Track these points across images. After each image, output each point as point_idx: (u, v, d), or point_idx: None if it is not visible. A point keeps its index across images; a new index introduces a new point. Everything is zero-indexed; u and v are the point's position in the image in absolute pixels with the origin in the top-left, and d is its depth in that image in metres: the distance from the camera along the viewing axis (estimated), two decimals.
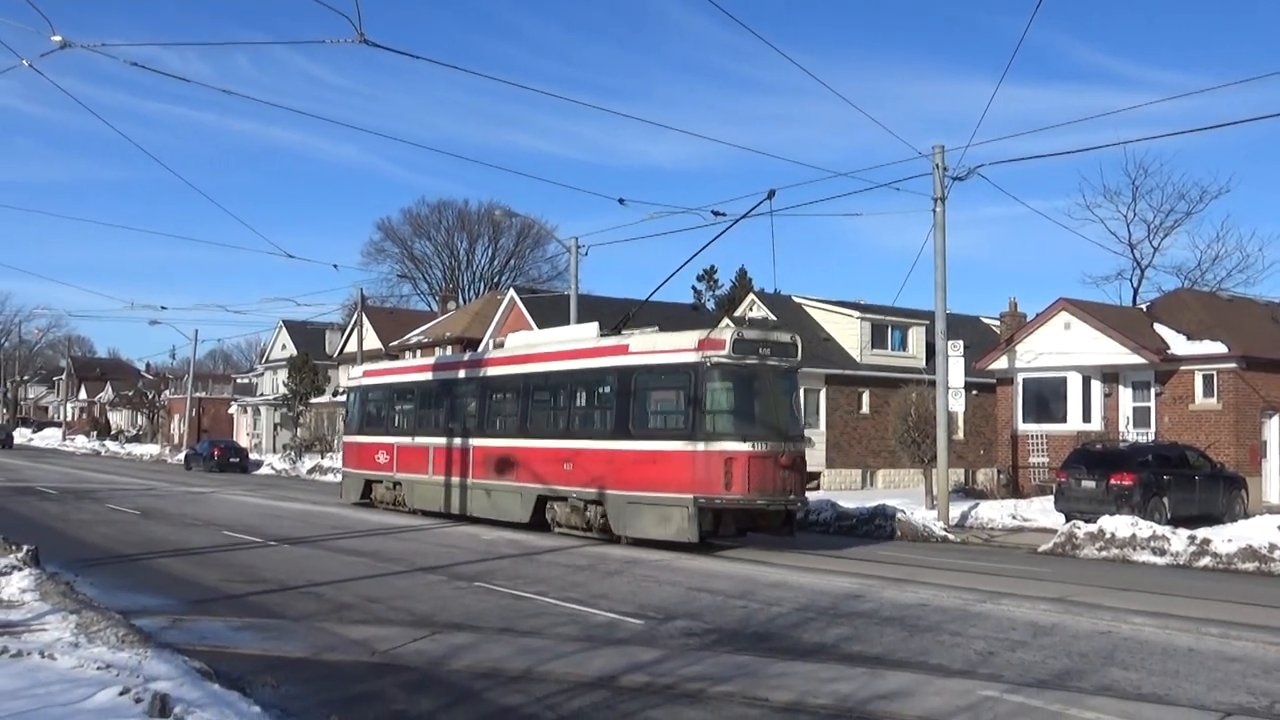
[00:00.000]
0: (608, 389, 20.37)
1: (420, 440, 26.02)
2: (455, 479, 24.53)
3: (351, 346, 57.34)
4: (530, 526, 21.91)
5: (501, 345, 26.31)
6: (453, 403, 25.26)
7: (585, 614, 11.98)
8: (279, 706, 7.57)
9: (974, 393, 35.39)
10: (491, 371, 24.14)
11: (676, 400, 19.16)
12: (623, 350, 20.23)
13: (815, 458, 37.85)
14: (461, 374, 25.31)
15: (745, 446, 18.34)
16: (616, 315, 48.45)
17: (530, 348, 23.49)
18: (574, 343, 22.13)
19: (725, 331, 19.26)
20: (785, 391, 19.44)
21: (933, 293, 25.29)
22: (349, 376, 31.26)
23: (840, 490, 36.36)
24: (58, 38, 15.77)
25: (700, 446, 18.39)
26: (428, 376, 26.77)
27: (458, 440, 24.57)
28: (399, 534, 21.38)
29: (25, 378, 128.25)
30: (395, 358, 53.52)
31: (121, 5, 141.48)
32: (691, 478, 18.43)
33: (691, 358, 18.80)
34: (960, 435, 38.69)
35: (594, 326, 23.32)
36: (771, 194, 22.05)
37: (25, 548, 14.05)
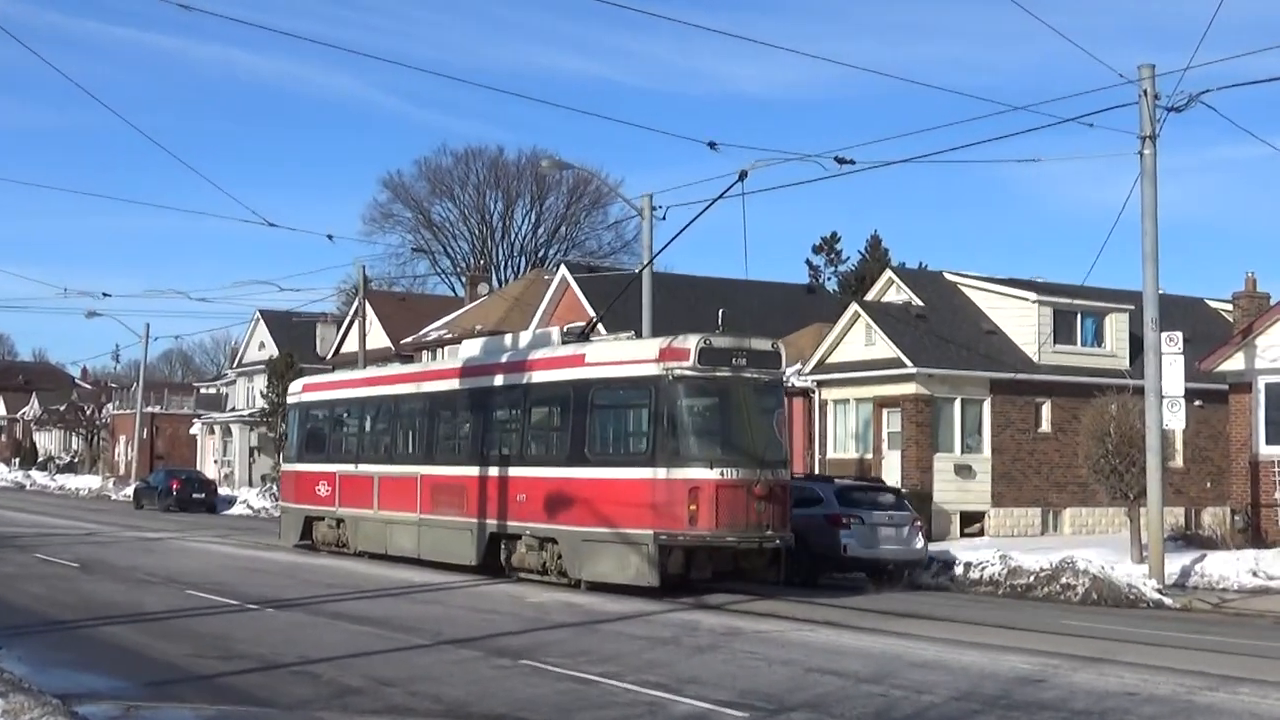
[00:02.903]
0: (563, 407, 23.12)
1: (364, 469, 29.19)
2: (400, 514, 27.55)
3: (350, 345, 58.12)
4: (481, 570, 24.45)
5: (455, 354, 29.64)
6: (400, 424, 28.65)
7: (668, 702, 12.05)
8: None
9: (1197, 403, 34.77)
10: (440, 386, 27.12)
11: (636, 419, 21.86)
12: (579, 361, 22.86)
13: (978, 492, 37.60)
14: (409, 389, 28.40)
15: (713, 474, 20.65)
16: (704, 300, 48.28)
17: (485, 358, 26.41)
18: (531, 352, 24.89)
19: (690, 339, 21.34)
20: (764, 410, 21.86)
21: (1139, 267, 25.03)
22: (289, 392, 34.49)
23: (1012, 536, 36.00)
24: None
25: (661, 474, 20.78)
26: (372, 392, 30.13)
27: (404, 468, 27.64)
28: (418, 594, 21.75)
29: None
30: (409, 359, 54.21)
31: None
32: (652, 511, 20.78)
33: (652, 370, 21.20)
34: (1179, 461, 38.00)
35: (555, 332, 26.24)
36: (743, 175, 24.99)
37: None
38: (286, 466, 33.60)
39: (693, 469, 20.72)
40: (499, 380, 25.08)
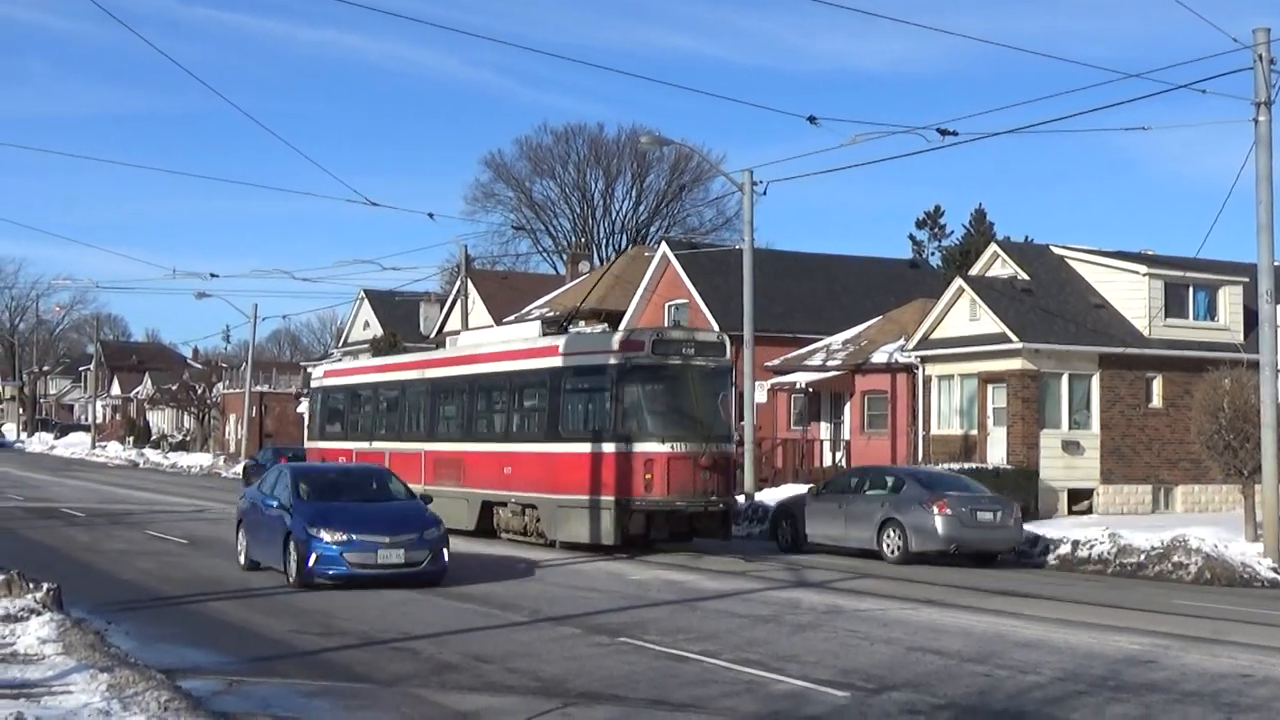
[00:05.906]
0: (540, 391, 26.76)
1: (377, 446, 32.64)
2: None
3: (453, 323, 58.55)
4: (476, 533, 27.55)
5: (454, 344, 33.40)
6: (406, 405, 32.27)
7: (766, 681, 12.07)
8: None
9: None
10: (440, 373, 31.05)
11: (600, 402, 24.97)
12: (553, 352, 26.34)
13: (1086, 469, 37.02)
14: (414, 375, 32.27)
15: (664, 448, 24.17)
16: (805, 275, 47.75)
17: (476, 348, 30.58)
18: (514, 343, 28.91)
19: (645, 333, 25.81)
20: (710, 392, 25.26)
21: (1254, 238, 24.53)
22: (313, 377, 38.07)
23: (1121, 514, 35.41)
24: None
25: (621, 448, 24.21)
26: (384, 377, 34.04)
27: (410, 445, 31.23)
28: (515, 572, 21.93)
29: (45, 368, 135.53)
30: None
31: None
32: (614, 480, 24.14)
33: (613, 359, 24.66)
34: None
35: (536, 325, 30.19)
36: (683, 187, 30.55)
37: (45, 586, 14.83)
38: (310, 444, 36.88)
39: (647, 444, 24.17)
40: (490, 367, 28.64)
